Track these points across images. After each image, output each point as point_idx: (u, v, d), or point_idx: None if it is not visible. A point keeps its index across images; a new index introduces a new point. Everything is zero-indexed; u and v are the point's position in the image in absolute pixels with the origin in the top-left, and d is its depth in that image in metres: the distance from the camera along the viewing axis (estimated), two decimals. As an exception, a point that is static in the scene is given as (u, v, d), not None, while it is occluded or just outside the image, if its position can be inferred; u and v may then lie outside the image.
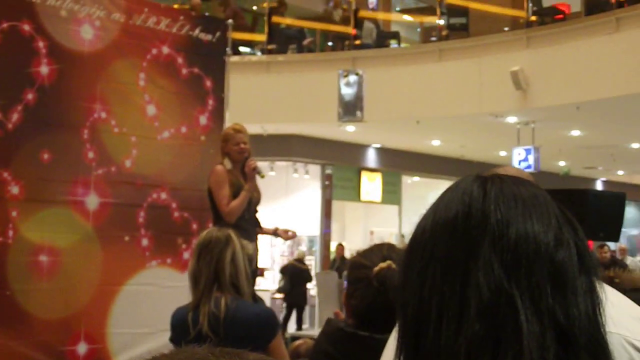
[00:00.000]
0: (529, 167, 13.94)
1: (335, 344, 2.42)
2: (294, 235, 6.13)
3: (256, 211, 5.78)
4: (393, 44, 15.23)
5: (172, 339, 3.62)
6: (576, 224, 1.03)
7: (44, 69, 5.63)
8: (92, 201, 5.86)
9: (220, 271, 3.45)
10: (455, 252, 0.98)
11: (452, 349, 0.94)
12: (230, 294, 3.45)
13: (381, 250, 2.43)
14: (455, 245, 0.99)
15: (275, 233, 6.00)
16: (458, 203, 1.02)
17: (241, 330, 3.38)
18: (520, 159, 14.17)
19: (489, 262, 0.96)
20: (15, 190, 5.46)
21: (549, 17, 13.28)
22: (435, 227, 1.02)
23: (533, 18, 13.25)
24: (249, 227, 5.57)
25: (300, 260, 15.32)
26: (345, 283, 2.59)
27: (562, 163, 18.91)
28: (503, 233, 0.98)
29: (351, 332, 2.37)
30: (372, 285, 2.33)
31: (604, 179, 23.21)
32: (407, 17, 16.04)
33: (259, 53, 15.32)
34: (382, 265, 2.33)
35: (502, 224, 0.98)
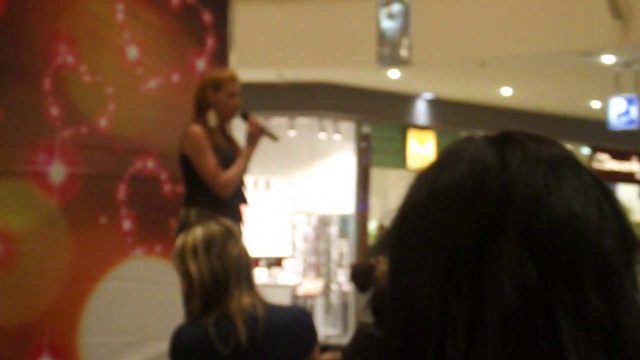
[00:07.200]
0: (631, 122, 13.82)
1: (365, 356, 2.39)
2: (256, 122, 5.59)
3: (243, 184, 5.68)
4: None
5: None
6: (612, 193, 0.98)
7: (-9, 0, 5.65)
8: (57, 172, 5.88)
9: (239, 270, 3.56)
10: (464, 244, 0.93)
11: None
12: (257, 296, 3.57)
13: None
14: (465, 234, 0.93)
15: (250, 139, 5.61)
16: (467, 177, 0.95)
17: (281, 337, 3.51)
18: (619, 112, 14.04)
19: (514, 255, 0.91)
20: (-44, 158, 5.49)
21: None
22: (433, 209, 0.95)
23: None
24: (236, 205, 5.58)
25: None
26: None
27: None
28: (533, 215, 0.92)
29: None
30: None
31: None
32: None
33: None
34: None
35: (531, 204, 0.93)
